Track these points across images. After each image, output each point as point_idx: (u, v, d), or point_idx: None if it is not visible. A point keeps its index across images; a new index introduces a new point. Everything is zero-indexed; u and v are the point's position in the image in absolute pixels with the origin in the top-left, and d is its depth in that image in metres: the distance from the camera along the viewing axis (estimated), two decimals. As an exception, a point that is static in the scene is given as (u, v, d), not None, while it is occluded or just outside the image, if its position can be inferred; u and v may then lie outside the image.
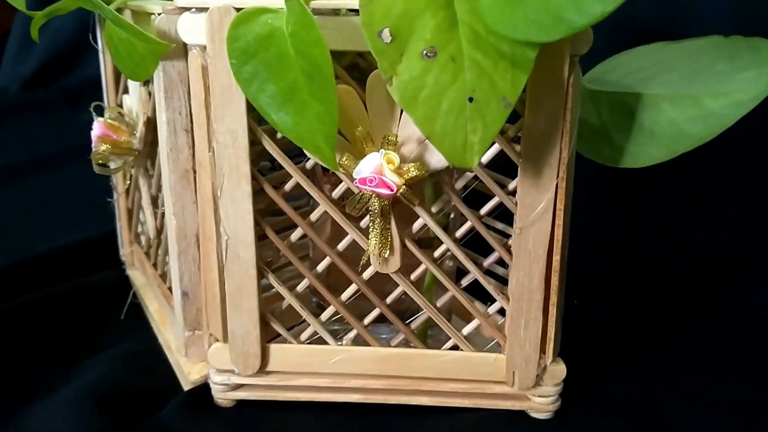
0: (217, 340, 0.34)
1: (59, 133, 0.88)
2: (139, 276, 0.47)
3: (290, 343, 0.35)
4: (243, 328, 0.34)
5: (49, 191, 0.68)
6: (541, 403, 0.35)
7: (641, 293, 0.49)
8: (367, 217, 0.32)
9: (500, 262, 0.34)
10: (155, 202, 0.41)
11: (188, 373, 0.37)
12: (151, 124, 0.38)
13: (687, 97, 0.32)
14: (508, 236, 0.33)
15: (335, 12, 0.30)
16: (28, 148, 0.80)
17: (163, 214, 0.39)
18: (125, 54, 0.34)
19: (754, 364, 0.41)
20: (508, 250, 0.33)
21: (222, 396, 0.35)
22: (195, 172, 0.33)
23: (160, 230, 0.41)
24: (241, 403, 0.35)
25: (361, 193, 0.30)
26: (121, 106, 0.44)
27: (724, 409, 0.37)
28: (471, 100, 0.27)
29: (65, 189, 0.68)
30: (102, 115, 0.40)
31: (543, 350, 0.33)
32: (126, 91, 0.43)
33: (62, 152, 0.78)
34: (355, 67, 0.33)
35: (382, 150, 0.30)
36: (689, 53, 0.35)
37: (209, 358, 0.35)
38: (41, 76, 0.99)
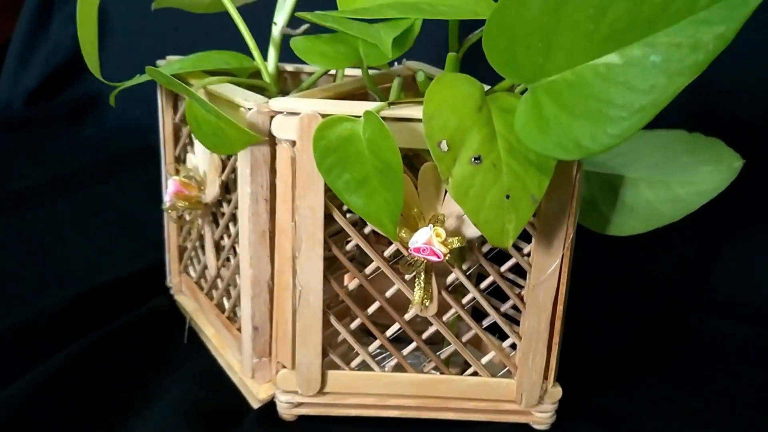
0: (284, 367, 0.43)
1: (67, 150, 0.93)
2: (189, 302, 0.55)
3: (344, 369, 0.43)
4: (308, 359, 0.42)
5: (75, 215, 0.73)
6: (542, 418, 0.44)
7: (634, 324, 0.59)
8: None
9: (513, 306, 0.43)
10: (218, 246, 0.49)
11: (256, 392, 0.45)
12: (223, 185, 0.46)
13: (660, 182, 0.42)
14: (521, 286, 0.42)
15: (403, 119, 0.38)
16: (42, 167, 0.85)
17: (227, 258, 0.47)
18: (209, 132, 0.42)
19: (723, 383, 0.51)
20: (521, 298, 0.42)
21: (287, 412, 0.43)
22: (271, 233, 0.41)
23: (219, 270, 0.49)
24: (301, 418, 0.43)
25: (414, 258, 0.39)
26: (180, 160, 0.52)
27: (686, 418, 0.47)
28: (508, 197, 0.35)
29: (91, 211, 0.74)
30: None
31: (545, 377, 0.43)
32: (185, 149, 0.51)
33: (78, 172, 0.83)
34: (406, 156, 0.41)
35: (431, 225, 0.38)
36: (659, 143, 0.44)
37: (278, 381, 0.43)
38: (43, 91, 1.04)
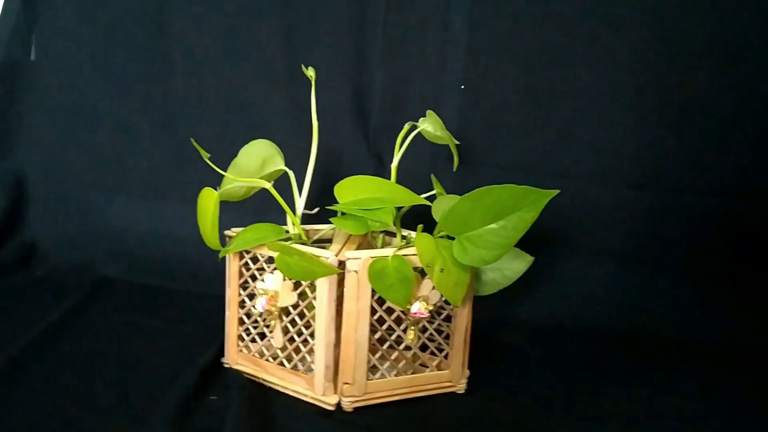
0: (347, 383, 0.84)
1: (31, 297, 1.17)
2: (246, 369, 0.92)
3: (372, 380, 0.86)
4: (361, 377, 0.84)
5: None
6: (462, 386, 0.91)
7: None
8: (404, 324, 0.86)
9: (446, 335, 0.90)
10: (285, 329, 0.88)
11: (329, 401, 0.85)
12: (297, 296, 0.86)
13: (494, 269, 0.93)
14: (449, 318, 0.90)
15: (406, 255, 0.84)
16: (25, 324, 1.02)
17: (291, 338, 0.87)
18: (299, 270, 0.83)
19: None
20: (449, 331, 0.89)
21: (348, 407, 0.85)
22: (336, 322, 0.84)
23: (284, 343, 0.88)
24: (355, 408, 0.85)
25: (414, 318, 0.84)
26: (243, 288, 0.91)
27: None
28: (456, 284, 0.83)
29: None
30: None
31: (463, 367, 0.90)
32: (254, 277, 0.90)
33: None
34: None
35: (419, 300, 0.84)
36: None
37: (344, 391, 0.84)
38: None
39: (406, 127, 0.97)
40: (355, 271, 0.82)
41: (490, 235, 0.81)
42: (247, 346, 0.94)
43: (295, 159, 0.96)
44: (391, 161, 0.94)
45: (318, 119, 0.94)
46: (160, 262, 1.29)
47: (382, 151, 1.26)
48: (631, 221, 1.21)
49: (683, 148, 1.18)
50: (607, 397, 0.92)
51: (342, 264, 0.83)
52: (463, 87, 1.23)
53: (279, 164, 0.95)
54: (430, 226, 0.87)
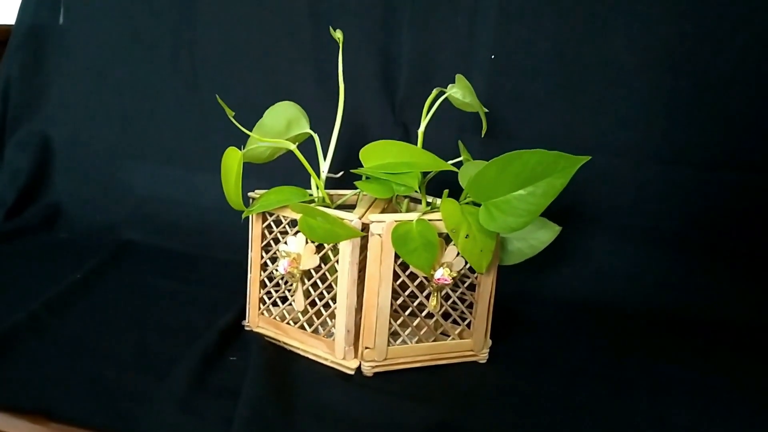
0: (367, 348, 0.83)
1: (55, 258, 1.18)
2: (266, 331, 0.92)
3: (394, 345, 0.85)
4: (381, 342, 0.83)
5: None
6: (484, 355, 0.90)
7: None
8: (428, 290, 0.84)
9: (469, 304, 0.89)
10: (307, 292, 0.87)
11: (349, 365, 0.84)
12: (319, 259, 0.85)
13: (520, 239, 0.91)
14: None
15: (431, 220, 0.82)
16: (49, 284, 1.02)
17: (312, 302, 0.87)
18: (322, 233, 0.82)
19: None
20: (474, 299, 0.88)
21: (368, 371, 0.84)
22: (358, 283, 0.82)
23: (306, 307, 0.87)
24: (375, 374, 0.84)
25: (437, 284, 0.83)
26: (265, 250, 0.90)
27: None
28: (481, 250, 0.81)
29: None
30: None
31: (486, 336, 0.89)
32: (276, 240, 0.89)
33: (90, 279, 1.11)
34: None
35: (443, 267, 0.82)
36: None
37: (365, 355, 0.83)
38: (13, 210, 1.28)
39: (435, 92, 0.95)
40: (379, 235, 0.81)
41: (517, 202, 0.79)
42: (268, 309, 0.93)
43: (320, 126, 0.95)
44: (417, 130, 0.92)
45: (344, 84, 0.93)
46: (183, 228, 1.28)
47: (407, 120, 1.24)
48: (660, 198, 1.18)
49: (716, 124, 1.15)
50: (632, 371, 0.91)
51: (365, 227, 0.82)
52: (493, 57, 1.20)
53: (304, 127, 0.94)
54: (455, 193, 0.86)
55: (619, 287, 1.18)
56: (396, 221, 0.80)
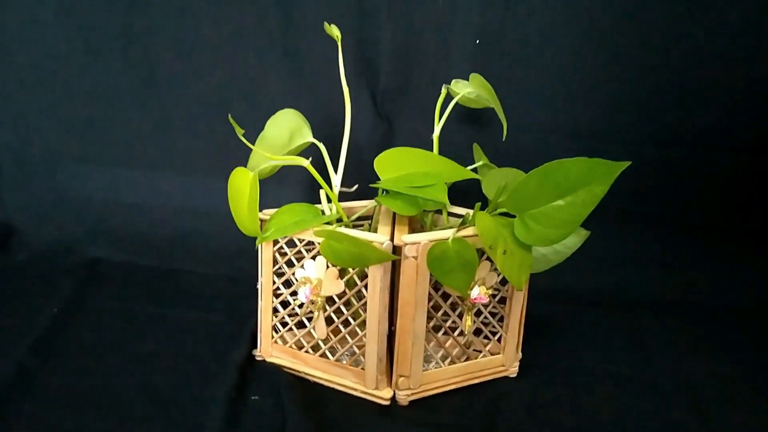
0: (402, 376, 0.78)
1: (20, 287, 1.04)
2: (282, 362, 0.84)
3: (428, 370, 0.80)
4: (418, 369, 0.78)
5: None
6: (514, 369, 0.86)
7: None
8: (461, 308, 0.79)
9: (500, 318, 0.84)
10: (329, 320, 0.80)
11: (382, 395, 0.79)
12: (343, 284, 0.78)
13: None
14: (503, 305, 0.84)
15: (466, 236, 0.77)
16: (24, 322, 0.91)
17: (335, 329, 0.80)
18: (347, 256, 0.75)
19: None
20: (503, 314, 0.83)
21: (403, 400, 0.79)
22: (389, 311, 0.76)
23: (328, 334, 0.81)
24: (411, 402, 0.79)
25: (472, 303, 0.78)
26: (277, 275, 0.82)
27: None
28: (519, 266, 0.76)
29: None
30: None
31: (517, 351, 0.85)
32: (291, 264, 0.82)
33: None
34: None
35: (478, 285, 0.77)
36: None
37: (399, 384, 0.78)
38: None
39: (444, 91, 0.89)
40: (414, 257, 0.74)
41: (555, 212, 0.75)
42: (282, 337, 0.86)
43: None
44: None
45: (338, 83, 0.85)
46: (154, 239, 1.18)
47: (390, 113, 1.17)
48: (656, 180, 1.16)
49: (711, 105, 1.13)
50: (656, 368, 0.90)
51: (397, 249, 0.75)
52: (477, 42, 1.14)
53: (307, 136, 0.86)
54: (469, 200, 0.80)
55: (618, 273, 1.17)
56: (431, 241, 0.74)
